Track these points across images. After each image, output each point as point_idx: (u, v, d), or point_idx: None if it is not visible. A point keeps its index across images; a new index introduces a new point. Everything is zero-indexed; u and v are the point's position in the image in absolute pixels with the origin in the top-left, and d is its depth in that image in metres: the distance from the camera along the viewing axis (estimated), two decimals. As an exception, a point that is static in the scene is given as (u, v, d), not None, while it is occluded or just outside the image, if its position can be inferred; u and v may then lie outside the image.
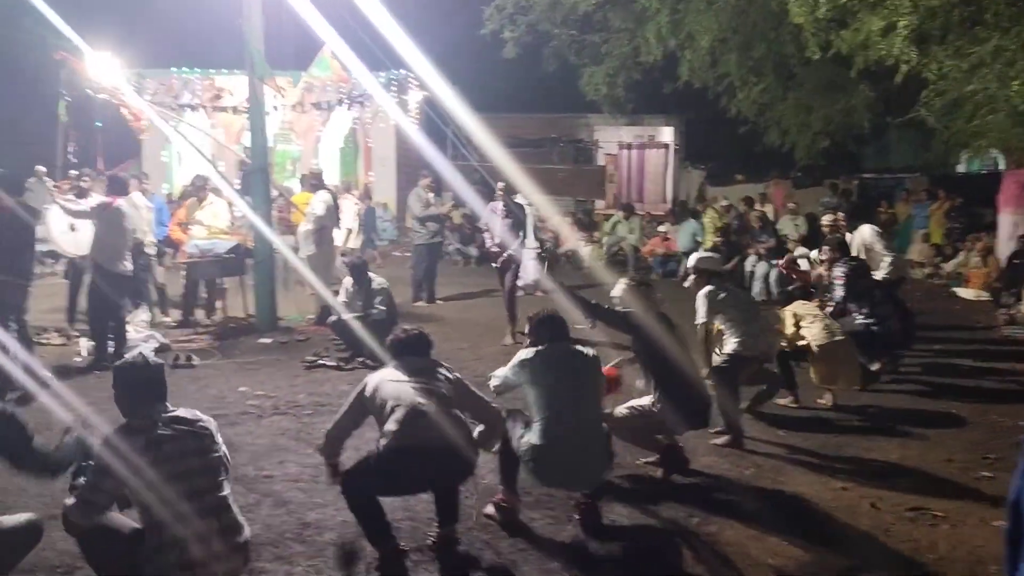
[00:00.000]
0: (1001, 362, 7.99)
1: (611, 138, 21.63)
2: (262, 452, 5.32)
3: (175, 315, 9.61)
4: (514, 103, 21.37)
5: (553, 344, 4.35)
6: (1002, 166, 15.56)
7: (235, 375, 7.28)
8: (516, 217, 9.11)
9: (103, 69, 11.64)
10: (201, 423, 3.28)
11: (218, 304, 9.67)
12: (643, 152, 21.69)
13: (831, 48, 9.73)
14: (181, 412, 3.29)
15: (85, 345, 7.86)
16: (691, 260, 6.25)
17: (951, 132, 11.07)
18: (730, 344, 5.69)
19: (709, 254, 6.95)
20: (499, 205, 9.14)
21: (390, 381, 3.97)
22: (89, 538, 3.21)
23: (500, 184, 9.46)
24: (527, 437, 4.15)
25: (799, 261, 10.60)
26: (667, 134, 21.47)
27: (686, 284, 6.34)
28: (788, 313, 6.59)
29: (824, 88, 12.72)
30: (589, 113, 19.59)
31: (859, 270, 7.15)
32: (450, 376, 4.10)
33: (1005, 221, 12.64)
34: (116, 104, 13.80)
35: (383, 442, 3.77)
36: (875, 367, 6.95)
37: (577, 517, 4.30)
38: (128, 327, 7.98)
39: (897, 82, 9.46)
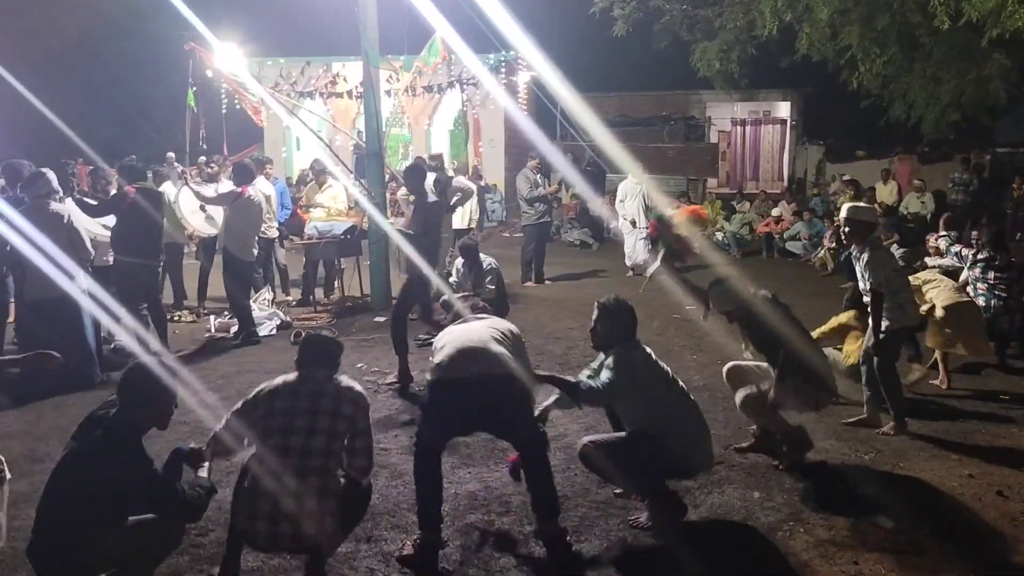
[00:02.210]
0: None
1: (724, 115, 21.16)
2: (378, 426, 5.48)
3: (295, 294, 10.03)
4: (624, 81, 21.17)
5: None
6: None
7: (352, 351, 7.53)
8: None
9: (228, 58, 12.18)
10: (350, 391, 3.53)
11: (336, 284, 10.03)
12: (758, 128, 21.15)
13: (961, 16, 9.20)
14: (342, 379, 3.62)
15: (214, 323, 8.30)
16: (843, 211, 5.65)
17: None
18: (889, 315, 5.30)
19: (863, 204, 6.61)
20: None
21: (451, 328, 4.20)
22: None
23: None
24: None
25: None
26: (783, 109, 20.84)
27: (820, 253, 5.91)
28: (915, 280, 6.28)
29: (954, 58, 12.03)
30: (701, 90, 19.22)
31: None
32: (513, 332, 4.19)
33: None
34: (236, 95, 14.39)
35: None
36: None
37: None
38: (252, 305, 8.38)
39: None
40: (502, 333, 4.10)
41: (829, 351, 5.84)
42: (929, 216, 13.66)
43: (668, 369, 4.23)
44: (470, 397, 3.79)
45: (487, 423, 4.01)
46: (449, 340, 4.01)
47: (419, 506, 3.81)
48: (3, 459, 3.73)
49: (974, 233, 7.29)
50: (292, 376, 3.59)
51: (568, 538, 3.82)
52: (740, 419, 5.28)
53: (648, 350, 4.23)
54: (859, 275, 5.43)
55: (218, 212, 8.46)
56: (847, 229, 5.53)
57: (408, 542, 3.79)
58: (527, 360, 4.16)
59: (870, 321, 5.36)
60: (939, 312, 6.06)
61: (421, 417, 4.05)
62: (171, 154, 16.49)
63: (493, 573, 3.65)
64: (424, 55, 12.81)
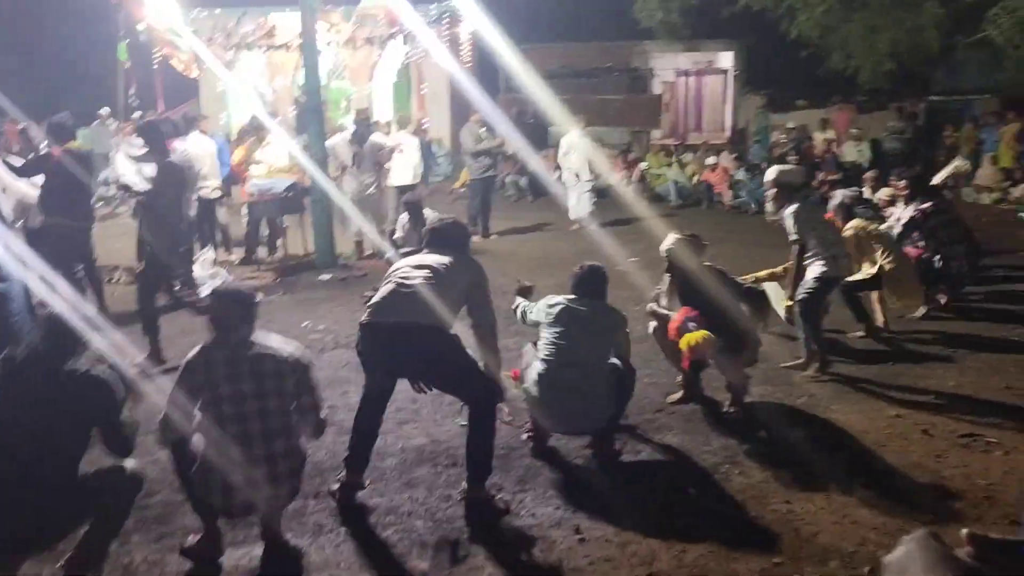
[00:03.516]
0: (1069, 289, 7.80)
1: (667, 65, 21.13)
2: (325, 384, 5.43)
3: (238, 253, 9.90)
4: (567, 32, 21.00)
5: (584, 299, 4.37)
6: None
7: (297, 310, 7.53)
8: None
9: (159, 9, 11.78)
10: (287, 353, 3.47)
11: (279, 242, 9.92)
12: (701, 79, 21.19)
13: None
14: (272, 340, 3.52)
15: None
16: (769, 173, 5.88)
17: (1021, 51, 10.60)
18: (816, 267, 5.51)
19: (789, 166, 6.75)
20: None
21: (398, 263, 4.08)
22: (174, 453, 3.45)
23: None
24: (532, 369, 4.28)
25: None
26: (726, 59, 20.89)
27: (768, 206, 6.05)
28: (849, 233, 6.41)
29: (890, 8, 12.24)
30: (645, 40, 19.18)
31: (938, 209, 7.05)
32: (472, 268, 4.08)
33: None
34: (167, 50, 13.93)
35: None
36: (941, 299, 6.89)
37: (591, 452, 4.41)
38: (194, 265, 8.24)
39: (970, 2, 9.05)
40: (446, 273, 3.93)
41: (773, 286, 5.98)
42: (866, 164, 13.94)
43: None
44: (386, 345, 3.84)
45: (416, 374, 3.93)
46: (387, 278, 4.00)
47: (349, 447, 3.99)
48: None
49: (901, 183, 7.44)
50: (215, 339, 3.44)
51: (495, 500, 3.88)
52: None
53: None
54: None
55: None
56: (774, 190, 5.76)
57: (335, 482, 3.98)
58: (483, 299, 4.04)
59: (794, 270, 5.57)
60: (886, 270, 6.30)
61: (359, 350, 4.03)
62: (105, 110, 16.01)
63: (440, 523, 3.74)
64: (365, 2, 12.56)
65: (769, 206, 5.87)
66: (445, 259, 4.01)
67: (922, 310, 6.81)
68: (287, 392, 3.41)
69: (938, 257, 6.92)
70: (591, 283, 4.46)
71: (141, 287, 6.30)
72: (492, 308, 4.08)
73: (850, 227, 6.43)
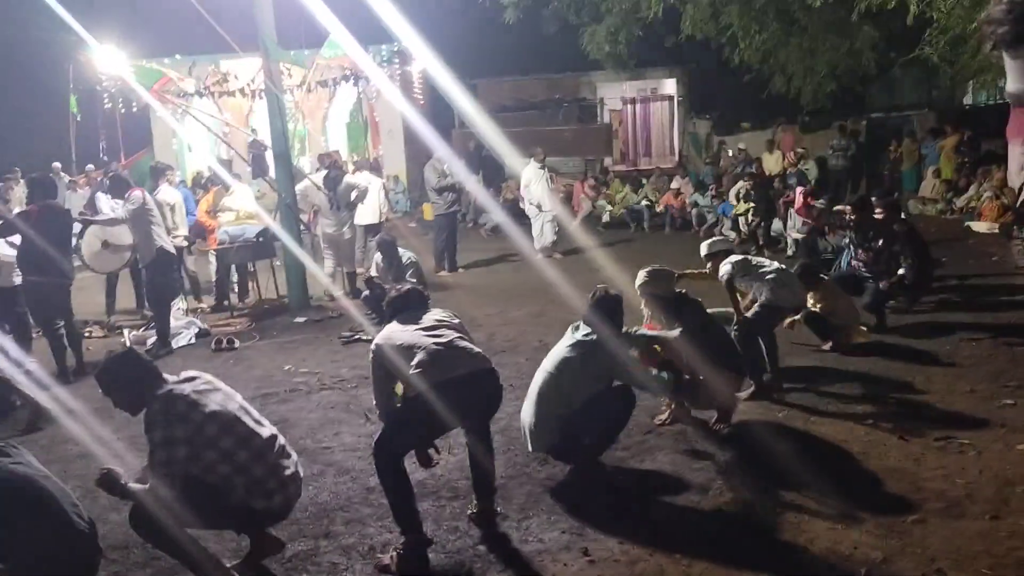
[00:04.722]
0: (1018, 294, 8.20)
1: (614, 94, 21.63)
2: (317, 425, 5.61)
3: (208, 301, 9.89)
4: (516, 66, 21.41)
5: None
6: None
7: (277, 354, 7.56)
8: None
9: (110, 62, 11.79)
10: (206, 378, 3.69)
11: (249, 287, 9.94)
12: (647, 106, 21.71)
13: (833, -8, 9.81)
14: (186, 373, 3.68)
15: (128, 336, 8.15)
16: (703, 249, 6.36)
17: (957, 68, 11.15)
18: (763, 296, 5.91)
19: (716, 238, 7.17)
20: None
21: (399, 332, 4.03)
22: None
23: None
24: None
25: (813, 202, 10.76)
26: (670, 86, 21.46)
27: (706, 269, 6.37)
28: None
29: (827, 32, 12.78)
30: (591, 71, 19.64)
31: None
32: (453, 319, 4.22)
33: (1014, 152, 12.69)
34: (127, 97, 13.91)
35: (412, 391, 3.90)
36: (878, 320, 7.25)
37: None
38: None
39: (909, 23, 9.51)
40: (453, 324, 4.17)
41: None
42: (813, 182, 14.41)
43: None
44: (472, 393, 3.95)
45: (485, 414, 4.15)
46: (413, 346, 3.94)
47: (398, 512, 3.81)
48: None
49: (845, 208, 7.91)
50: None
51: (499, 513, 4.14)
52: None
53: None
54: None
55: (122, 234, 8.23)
56: (709, 264, 6.21)
57: (391, 553, 3.79)
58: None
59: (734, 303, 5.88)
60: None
61: (395, 425, 3.96)
62: (56, 164, 15.88)
63: (452, 555, 3.84)
64: (325, 51, 12.73)
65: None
66: (435, 314, 4.22)
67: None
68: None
69: (870, 276, 7.38)
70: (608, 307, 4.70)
71: None
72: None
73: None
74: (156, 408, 3.42)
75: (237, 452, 3.48)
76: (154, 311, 7.95)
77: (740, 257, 6.14)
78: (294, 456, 3.79)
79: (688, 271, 6.52)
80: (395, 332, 4.05)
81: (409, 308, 4.23)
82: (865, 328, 6.88)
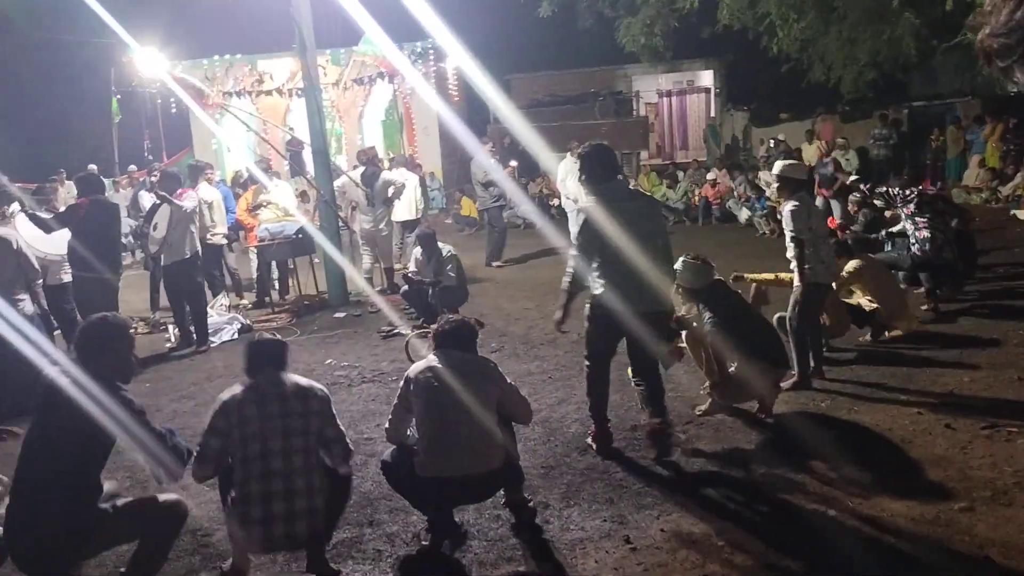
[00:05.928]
0: (1066, 281, 8.03)
1: (650, 87, 21.49)
2: (358, 417, 5.67)
3: (250, 297, 10.03)
4: (551, 61, 21.39)
5: None
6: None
7: (318, 349, 7.65)
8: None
9: (152, 64, 11.99)
10: (311, 388, 3.66)
11: (290, 283, 10.06)
12: (684, 98, 21.53)
13: (874, -22, 9.65)
14: (297, 379, 3.69)
15: (173, 332, 8.30)
16: (776, 167, 5.93)
17: (1001, 53, 10.90)
18: (809, 268, 5.50)
19: (794, 161, 6.90)
20: None
21: (426, 384, 3.81)
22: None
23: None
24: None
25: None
26: (706, 78, 21.27)
27: (769, 193, 6.09)
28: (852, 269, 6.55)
29: (867, 19, 12.55)
30: (626, 64, 19.52)
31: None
32: (491, 372, 3.98)
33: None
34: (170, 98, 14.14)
35: (416, 459, 3.80)
36: (924, 306, 7.13)
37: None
38: (210, 311, 8.39)
39: (948, 8, 9.32)
40: (481, 394, 3.84)
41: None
42: (853, 172, 14.20)
43: None
44: (455, 494, 3.84)
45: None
46: (424, 409, 3.81)
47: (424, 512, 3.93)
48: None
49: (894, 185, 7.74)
50: (247, 384, 3.63)
51: (530, 502, 4.11)
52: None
53: None
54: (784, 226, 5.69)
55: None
56: (777, 184, 5.92)
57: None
58: (513, 394, 4.03)
59: (795, 271, 5.53)
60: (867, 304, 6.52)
61: (398, 457, 3.94)
62: (92, 166, 16.16)
63: (495, 542, 3.86)
64: (361, 47, 12.84)
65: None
66: (471, 377, 3.88)
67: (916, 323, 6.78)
68: (311, 430, 3.57)
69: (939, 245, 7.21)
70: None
71: None
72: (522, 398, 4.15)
73: (851, 266, 6.54)
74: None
75: None
76: (191, 305, 8.03)
77: (809, 204, 5.77)
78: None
79: (748, 276, 6.28)
80: (425, 379, 3.82)
81: (453, 346, 3.96)
82: (918, 319, 6.76)
